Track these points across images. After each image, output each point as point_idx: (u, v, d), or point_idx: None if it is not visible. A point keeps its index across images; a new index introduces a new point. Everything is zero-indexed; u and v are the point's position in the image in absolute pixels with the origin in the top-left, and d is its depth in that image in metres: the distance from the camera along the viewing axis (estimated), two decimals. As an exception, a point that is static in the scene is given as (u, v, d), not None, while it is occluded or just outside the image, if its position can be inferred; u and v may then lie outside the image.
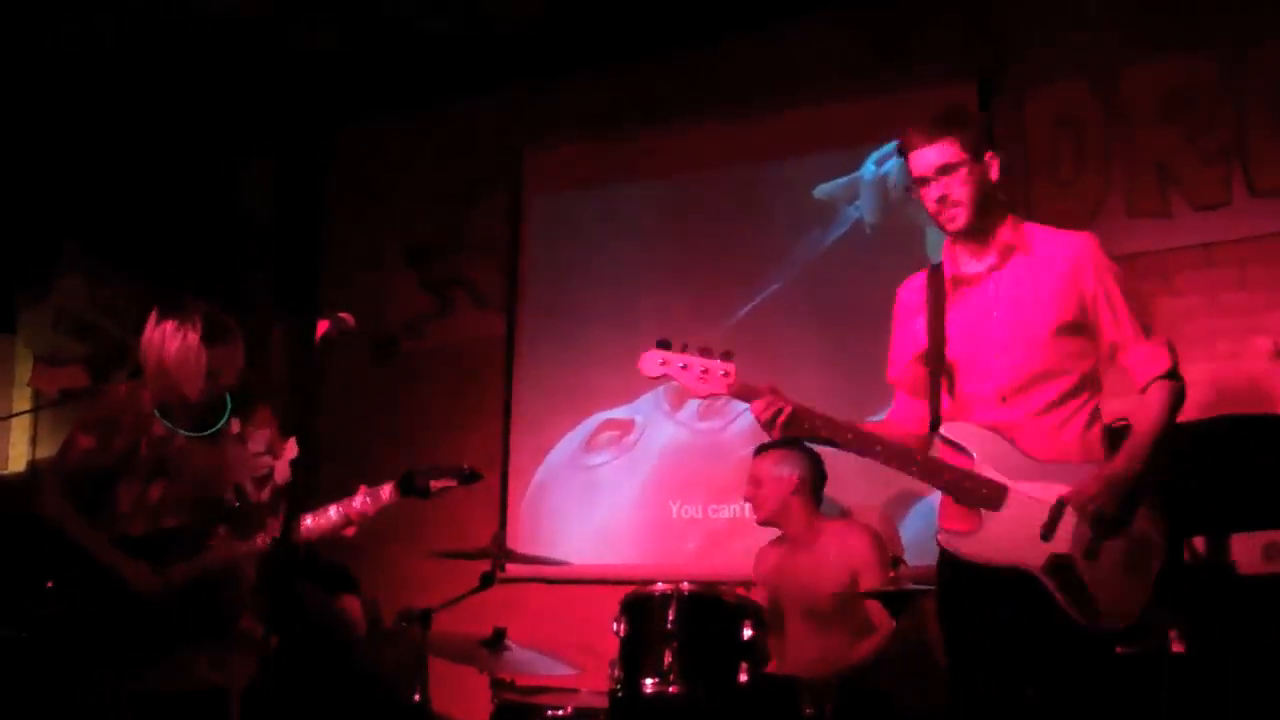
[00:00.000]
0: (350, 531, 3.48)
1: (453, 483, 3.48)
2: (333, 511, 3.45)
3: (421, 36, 5.87)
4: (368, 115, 6.61)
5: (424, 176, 6.54)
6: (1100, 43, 5.00)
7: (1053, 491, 2.84)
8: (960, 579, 2.95)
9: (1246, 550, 3.90)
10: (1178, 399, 2.93)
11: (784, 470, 4.48)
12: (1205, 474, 3.83)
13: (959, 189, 2.95)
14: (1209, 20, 4.80)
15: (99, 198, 6.39)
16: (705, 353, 3.09)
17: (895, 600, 4.09)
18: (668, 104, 5.89)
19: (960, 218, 2.98)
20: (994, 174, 2.99)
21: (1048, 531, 2.83)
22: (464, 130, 6.45)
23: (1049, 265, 2.97)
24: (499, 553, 4.42)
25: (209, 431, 3.53)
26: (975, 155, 2.97)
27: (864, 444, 2.95)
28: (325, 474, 5.13)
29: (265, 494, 3.56)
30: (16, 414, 6.35)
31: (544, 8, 5.63)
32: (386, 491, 3.45)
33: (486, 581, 4.34)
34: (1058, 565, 2.81)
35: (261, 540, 3.42)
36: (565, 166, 6.20)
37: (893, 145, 5.26)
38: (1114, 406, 3.04)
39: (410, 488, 3.45)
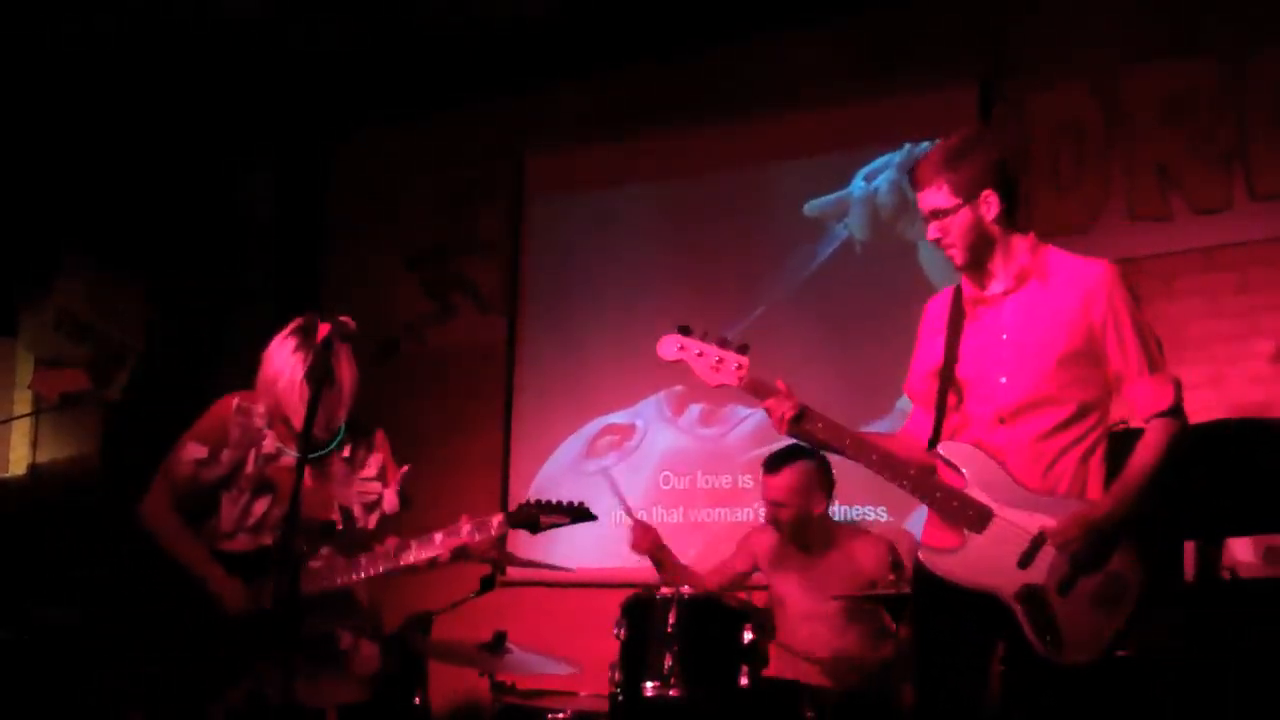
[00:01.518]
0: (445, 559, 3.40)
1: (565, 520, 3.41)
2: (438, 539, 3.39)
3: (423, 40, 5.87)
4: (369, 118, 6.61)
5: (425, 180, 6.54)
6: (1101, 47, 5.00)
7: (1037, 522, 2.85)
8: (935, 596, 2.97)
9: (1246, 554, 3.90)
10: (1176, 438, 2.88)
11: (806, 486, 4.45)
12: (1204, 477, 3.83)
13: (951, 233, 2.98)
14: (1210, 24, 4.80)
15: (100, 200, 6.39)
16: (723, 343, 3.12)
17: (897, 604, 4.10)
18: (668, 108, 5.90)
19: (957, 258, 3.02)
20: (990, 211, 2.98)
21: (1025, 560, 2.85)
22: (465, 133, 6.45)
23: (1062, 292, 2.96)
24: (500, 556, 4.42)
25: (320, 453, 3.45)
26: (969, 196, 2.96)
27: (861, 451, 2.98)
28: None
29: (372, 521, 3.50)
30: (17, 417, 6.35)
31: (545, 12, 5.64)
32: (495, 523, 3.35)
33: (487, 585, 4.34)
34: (1030, 595, 2.82)
35: (366, 564, 3.33)
36: (566, 170, 6.20)
37: (883, 159, 5.37)
38: (1118, 411, 3.03)
39: (521, 520, 3.38)
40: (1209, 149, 4.76)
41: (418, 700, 4.15)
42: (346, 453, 3.50)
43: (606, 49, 5.86)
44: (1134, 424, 2.95)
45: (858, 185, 5.47)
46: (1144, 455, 2.88)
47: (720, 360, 3.10)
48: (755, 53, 5.73)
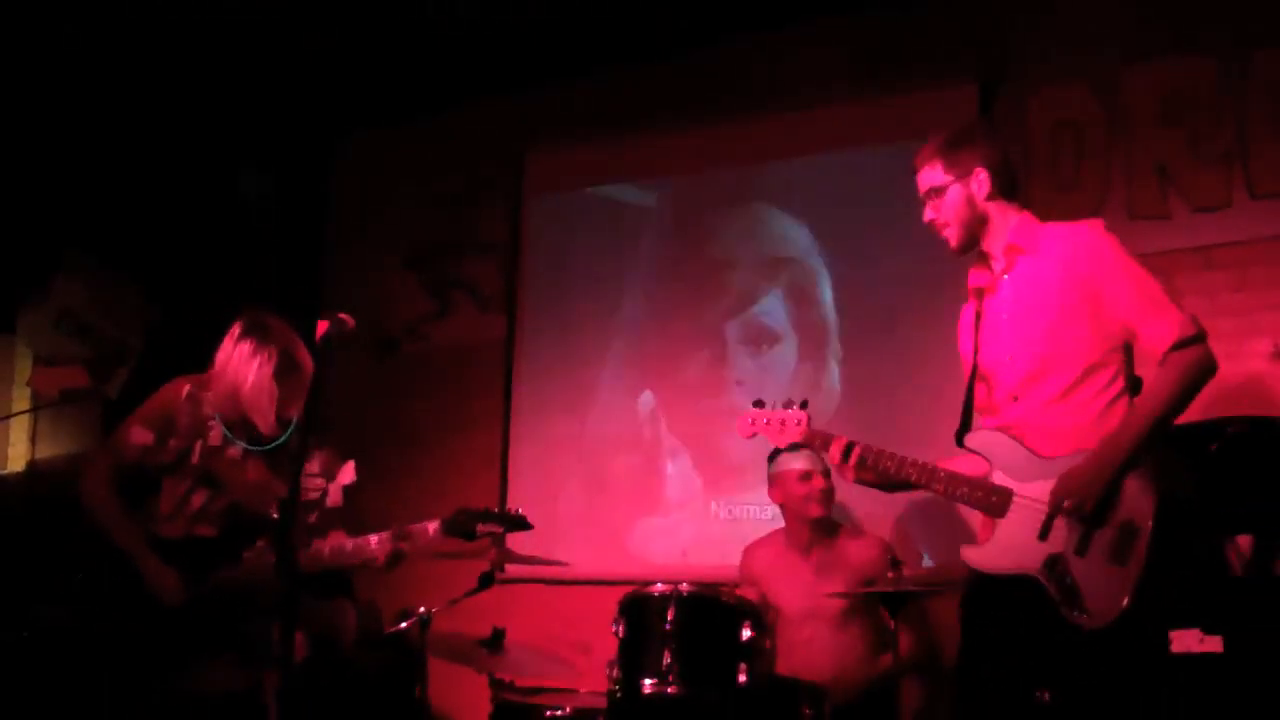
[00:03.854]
0: (381, 563, 3.43)
1: (499, 529, 3.44)
2: (373, 542, 3.40)
3: (423, 39, 5.87)
4: (369, 118, 6.61)
5: (425, 178, 6.54)
6: (1101, 45, 5.00)
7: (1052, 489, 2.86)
8: (978, 590, 3.00)
9: (1245, 553, 3.89)
10: (1190, 370, 2.85)
11: (808, 470, 4.48)
12: (1203, 476, 3.83)
13: (945, 211, 3.07)
14: (1210, 23, 4.80)
15: (101, 199, 6.39)
16: (787, 405, 3.28)
17: (896, 601, 4.10)
18: (668, 107, 5.90)
19: (952, 238, 3.09)
20: (982, 189, 3.04)
21: (1043, 532, 2.85)
22: (465, 133, 6.45)
23: (1050, 259, 3.01)
24: (498, 553, 4.42)
25: (267, 448, 3.49)
26: (961, 174, 3.05)
27: (901, 467, 3.06)
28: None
29: (313, 517, 3.53)
30: (16, 414, 6.35)
31: (546, 11, 5.64)
32: (431, 529, 3.41)
33: (485, 582, 4.34)
34: (1053, 565, 2.83)
35: (302, 558, 3.35)
36: (566, 169, 6.20)
37: None
38: (1141, 364, 3.01)
39: (455, 528, 3.41)
40: (1208, 148, 4.76)
41: (416, 696, 4.14)
42: (293, 447, 3.51)
43: (606, 48, 5.86)
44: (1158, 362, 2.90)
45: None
46: (1151, 393, 2.86)
47: (784, 422, 3.25)
48: (756, 52, 5.73)
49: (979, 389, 3.11)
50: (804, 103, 5.59)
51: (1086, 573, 2.80)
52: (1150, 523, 2.77)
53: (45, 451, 6.45)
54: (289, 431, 3.51)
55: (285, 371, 3.40)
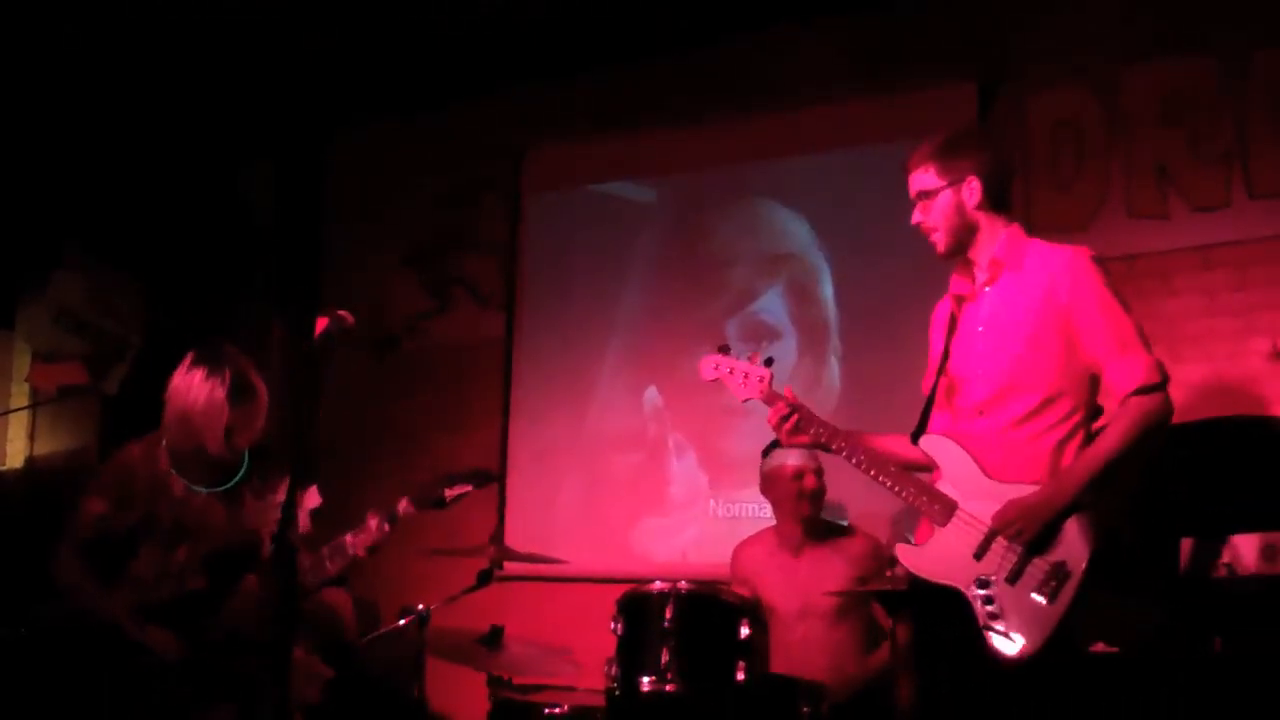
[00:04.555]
0: (362, 558, 3.41)
1: (468, 488, 3.43)
2: (349, 541, 3.38)
3: (422, 36, 5.87)
4: (368, 114, 6.60)
5: (424, 175, 6.53)
6: (1101, 45, 5.00)
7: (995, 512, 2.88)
8: (916, 592, 3.03)
9: (1244, 552, 3.90)
10: (1148, 418, 2.86)
11: (801, 469, 4.48)
12: (1202, 475, 3.83)
13: (933, 216, 3.07)
14: (1209, 23, 4.80)
15: (99, 196, 6.38)
16: (752, 359, 3.27)
17: (890, 600, 4.10)
18: (667, 105, 5.90)
19: (939, 244, 3.10)
20: (973, 197, 3.04)
21: (980, 552, 2.87)
22: (464, 129, 6.45)
23: (1031, 280, 3.01)
24: (497, 551, 4.42)
25: (228, 486, 3.47)
26: (953, 180, 3.05)
27: (852, 452, 3.09)
28: (324, 472, 5.12)
29: None
30: (14, 410, 6.34)
31: (546, 9, 5.64)
32: (403, 506, 3.39)
33: (484, 579, 4.34)
34: (982, 586, 2.85)
35: (309, 577, 3.32)
36: (565, 166, 6.20)
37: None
38: (1105, 401, 3.02)
39: (427, 501, 3.40)
40: (1208, 148, 4.76)
41: (415, 694, 4.14)
42: (255, 484, 3.51)
43: (606, 46, 5.86)
44: (1116, 403, 2.92)
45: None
46: (1107, 436, 2.87)
47: (746, 375, 3.24)
48: (755, 50, 5.73)
49: (942, 387, 3.12)
50: (804, 101, 5.59)
51: (1013, 602, 2.81)
52: (1083, 567, 2.79)
53: (44, 448, 6.44)
54: (245, 465, 3.49)
55: (238, 395, 3.37)
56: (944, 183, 3.05)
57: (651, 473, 5.69)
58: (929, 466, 3.07)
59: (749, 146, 5.72)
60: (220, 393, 3.35)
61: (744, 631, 3.80)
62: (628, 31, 5.75)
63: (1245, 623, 3.66)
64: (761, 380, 3.21)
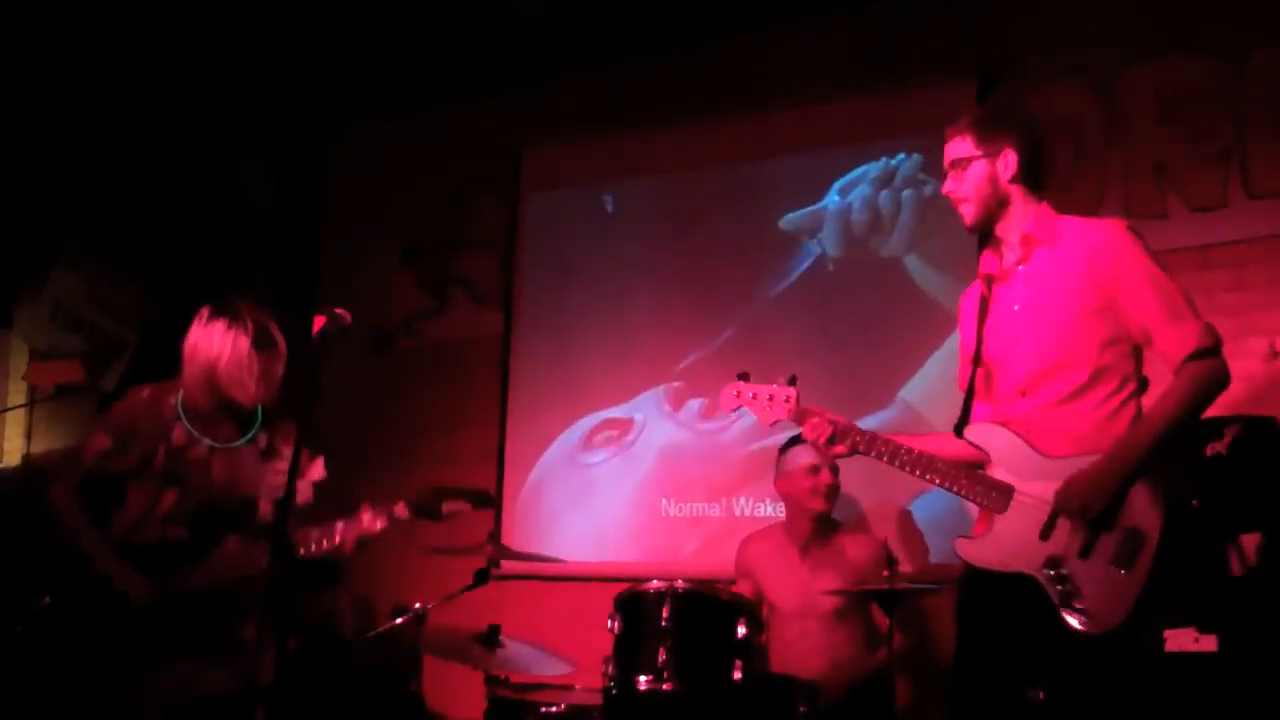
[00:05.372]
0: (349, 549, 3.43)
1: (466, 506, 3.43)
2: (339, 528, 3.39)
3: (420, 35, 5.87)
4: (366, 114, 6.61)
5: (422, 174, 6.54)
6: (1099, 44, 5.00)
7: (1056, 490, 2.83)
8: (974, 584, 2.97)
9: (1243, 552, 3.90)
10: (1204, 382, 2.83)
11: (817, 465, 4.47)
12: (1200, 476, 3.83)
13: (966, 185, 3.03)
14: (1208, 22, 4.80)
15: (98, 195, 6.38)
16: (774, 381, 3.22)
17: (890, 600, 4.10)
18: (665, 104, 5.89)
19: (968, 215, 3.05)
20: (1007, 170, 3.02)
21: (1046, 532, 2.83)
22: (462, 129, 6.45)
23: (1069, 255, 2.97)
24: (494, 550, 4.42)
25: (236, 443, 3.47)
26: (989, 151, 3.02)
27: (894, 455, 3.03)
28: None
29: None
30: (11, 408, 6.33)
31: (543, 9, 5.63)
32: (399, 510, 3.39)
33: (481, 578, 4.34)
34: (1053, 566, 2.80)
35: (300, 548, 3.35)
36: (562, 165, 6.20)
37: (859, 171, 5.37)
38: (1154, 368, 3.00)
39: (422, 510, 3.40)
40: (1206, 148, 4.76)
41: (411, 692, 4.14)
42: (263, 444, 3.50)
43: (602, 45, 5.86)
44: (1172, 371, 2.88)
45: (832, 199, 5.47)
46: (1165, 402, 2.83)
47: (771, 397, 3.19)
48: (752, 49, 5.73)
49: (979, 377, 3.07)
50: (803, 101, 5.59)
51: (1089, 576, 2.77)
52: (1157, 533, 2.75)
53: (40, 446, 6.43)
54: (257, 423, 3.49)
55: (263, 344, 3.38)
56: (980, 153, 3.02)
57: (650, 472, 5.68)
58: (978, 461, 3.00)
59: (747, 146, 5.72)
60: (244, 342, 3.34)
61: (741, 631, 3.80)
62: (627, 31, 5.75)
63: (1245, 622, 3.65)
64: (789, 400, 3.16)
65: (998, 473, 2.93)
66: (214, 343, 3.37)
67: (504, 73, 6.13)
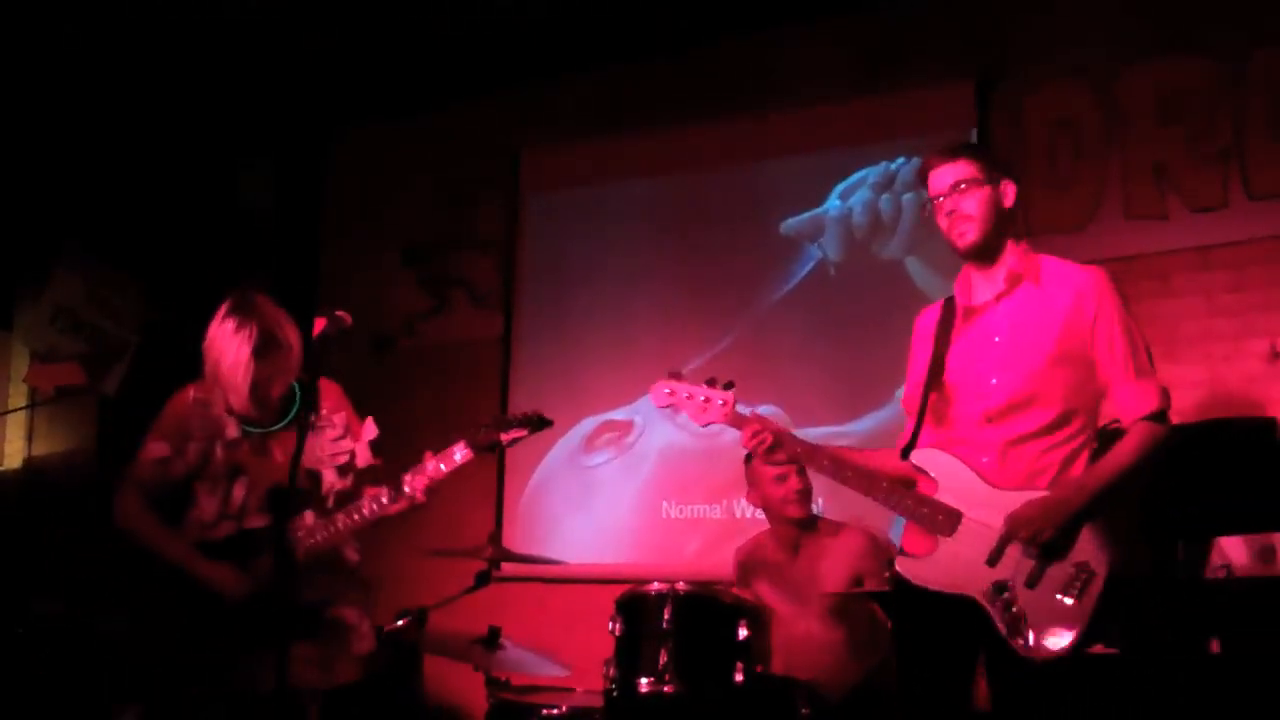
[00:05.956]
0: (421, 498, 3.38)
1: (524, 432, 3.35)
2: (407, 480, 3.36)
3: (420, 36, 5.87)
4: (366, 114, 6.61)
5: (422, 176, 6.54)
6: (1099, 45, 5.00)
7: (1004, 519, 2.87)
8: (913, 604, 2.99)
9: (1240, 554, 3.90)
10: (1156, 442, 2.89)
11: (783, 473, 4.47)
12: (1200, 477, 3.83)
13: (970, 204, 3.02)
14: (1208, 23, 4.80)
15: (99, 196, 6.38)
16: (710, 383, 3.21)
17: (890, 600, 4.09)
18: (664, 105, 5.90)
19: (970, 233, 3.03)
20: (1007, 200, 3.05)
21: (993, 558, 2.86)
22: (462, 130, 6.45)
23: (1055, 295, 3.00)
24: (495, 552, 4.42)
25: (281, 425, 3.46)
26: (990, 178, 3.04)
27: (838, 469, 3.06)
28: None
29: (349, 481, 3.49)
30: (12, 410, 6.34)
31: (545, 8, 5.63)
32: (458, 449, 3.35)
33: (482, 580, 4.34)
34: (999, 591, 2.83)
35: (343, 523, 3.32)
36: (563, 166, 6.20)
37: (859, 175, 5.37)
38: (1108, 413, 3.03)
39: (482, 445, 3.33)
40: (1206, 148, 4.77)
41: (412, 694, 4.14)
42: (312, 418, 3.46)
43: (602, 46, 5.86)
44: (1124, 425, 2.95)
45: (833, 203, 5.48)
46: (1119, 452, 2.89)
47: (707, 399, 3.19)
48: (752, 50, 5.73)
49: (931, 400, 3.07)
50: (803, 101, 5.59)
51: (1035, 605, 2.80)
52: (1105, 570, 2.79)
53: (41, 449, 6.44)
54: (295, 406, 3.47)
55: (265, 348, 3.36)
56: (982, 176, 3.03)
57: (650, 474, 5.68)
58: (915, 483, 3.03)
59: (747, 147, 5.72)
60: (246, 348, 3.32)
61: (742, 632, 3.79)
62: (627, 31, 5.75)
63: (1243, 623, 3.66)
64: (724, 404, 3.16)
65: (945, 497, 2.96)
66: (220, 345, 3.37)
67: (504, 73, 6.13)
